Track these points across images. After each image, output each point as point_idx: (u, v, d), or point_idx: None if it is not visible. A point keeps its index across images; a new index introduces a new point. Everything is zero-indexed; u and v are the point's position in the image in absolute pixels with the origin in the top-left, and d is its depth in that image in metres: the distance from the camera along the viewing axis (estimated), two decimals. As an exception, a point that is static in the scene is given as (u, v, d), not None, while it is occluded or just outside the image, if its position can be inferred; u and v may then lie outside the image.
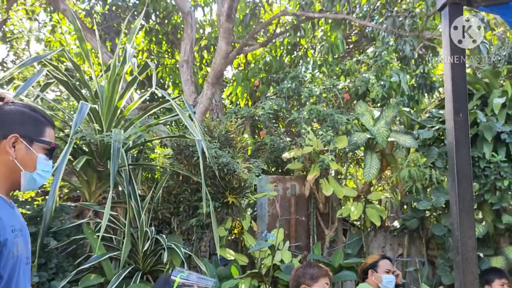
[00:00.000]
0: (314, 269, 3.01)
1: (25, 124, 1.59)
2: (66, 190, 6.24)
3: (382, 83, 6.77)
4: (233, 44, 8.29)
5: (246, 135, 8.42)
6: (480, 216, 6.40)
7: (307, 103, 6.46)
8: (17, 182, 1.60)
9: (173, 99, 5.28)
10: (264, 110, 6.45)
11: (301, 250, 6.37)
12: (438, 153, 6.09)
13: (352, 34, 9.84)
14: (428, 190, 6.25)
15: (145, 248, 4.99)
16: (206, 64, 10.95)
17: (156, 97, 9.70)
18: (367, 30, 9.54)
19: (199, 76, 10.80)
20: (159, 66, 10.47)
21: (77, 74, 5.38)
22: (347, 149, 6.20)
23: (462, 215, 1.13)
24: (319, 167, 6.03)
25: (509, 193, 5.81)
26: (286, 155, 6.46)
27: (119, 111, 5.40)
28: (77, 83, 5.47)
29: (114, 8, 8.78)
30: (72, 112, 5.82)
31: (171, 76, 10.39)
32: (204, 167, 4.84)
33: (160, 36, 9.99)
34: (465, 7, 1.24)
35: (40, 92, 5.51)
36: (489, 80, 6.69)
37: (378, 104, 7.20)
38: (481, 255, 5.98)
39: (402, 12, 6.49)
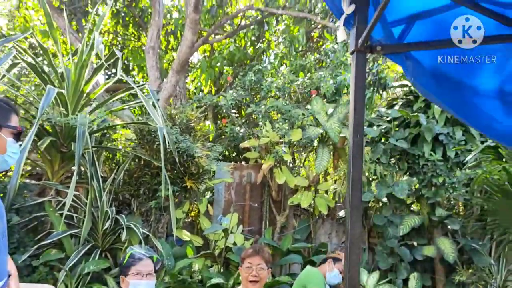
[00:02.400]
0: (246, 251, 3.05)
1: None
2: (28, 168, 6.39)
3: (334, 80, 7.21)
4: (199, 32, 8.55)
5: (208, 122, 8.74)
6: (417, 209, 7.02)
7: (267, 97, 6.84)
8: None
9: (138, 86, 5.54)
10: (226, 100, 6.78)
11: (254, 234, 6.80)
12: (383, 149, 6.62)
13: (314, 31, 10.25)
14: (372, 183, 6.78)
15: (105, 227, 5.26)
16: (172, 49, 11.13)
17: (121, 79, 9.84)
18: (328, 28, 9.97)
19: (164, 61, 11.00)
20: (125, 48, 10.59)
21: (45, 56, 5.52)
22: (301, 142, 6.62)
23: (353, 212, 1.52)
24: (273, 157, 6.44)
25: (443, 189, 6.41)
26: (243, 144, 6.83)
27: (85, 95, 5.62)
28: (43, 65, 5.64)
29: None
30: (35, 92, 5.97)
31: (136, 59, 10.52)
32: (165, 153, 5.15)
33: (127, 19, 10.09)
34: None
35: (6, 72, 5.63)
36: (434, 85, 7.24)
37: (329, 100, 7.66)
38: (415, 244, 6.60)
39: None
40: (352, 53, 1.62)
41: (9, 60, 5.33)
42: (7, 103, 1.91)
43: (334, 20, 8.50)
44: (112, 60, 6.06)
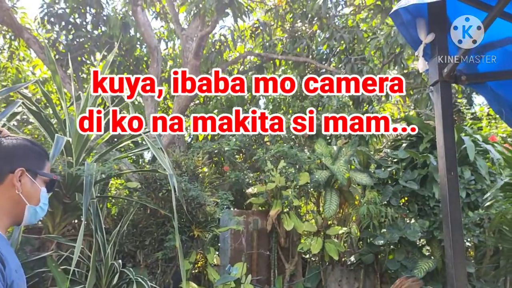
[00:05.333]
0: None
1: (28, 158, 1.59)
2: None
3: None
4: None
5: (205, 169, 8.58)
6: (429, 251, 6.84)
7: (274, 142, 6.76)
8: (19, 217, 1.57)
9: (144, 133, 5.40)
10: (230, 146, 6.67)
11: (262, 283, 6.51)
12: (393, 191, 6.50)
13: (308, 74, 10.36)
14: (382, 226, 6.61)
15: (113, 282, 4.97)
16: (165, 97, 11.09)
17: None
18: (322, 70, 10.10)
19: (159, 108, 10.91)
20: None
21: (49, 105, 5.38)
22: (308, 186, 6.49)
23: (455, 256, 1.38)
24: (282, 203, 6.27)
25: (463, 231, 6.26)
26: (250, 190, 6.66)
27: (89, 143, 5.44)
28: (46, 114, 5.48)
29: (77, 39, 8.81)
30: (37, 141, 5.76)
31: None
32: (172, 201, 4.95)
33: (122, 68, 10.05)
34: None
35: (7, 122, 5.45)
36: (437, 125, 7.25)
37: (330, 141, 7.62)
38: (431, 288, 6.37)
39: (360, 59, 6.98)
40: (434, 84, 1.52)
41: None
42: (41, 148, 1.69)
43: (332, 64, 8.60)
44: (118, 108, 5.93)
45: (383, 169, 6.65)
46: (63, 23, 8.62)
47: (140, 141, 6.91)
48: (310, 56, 8.51)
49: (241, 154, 8.31)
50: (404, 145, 7.05)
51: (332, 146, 7.24)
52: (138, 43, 9.79)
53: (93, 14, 8.91)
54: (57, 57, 8.58)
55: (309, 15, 8.37)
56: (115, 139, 6.52)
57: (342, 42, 7.69)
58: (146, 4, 8.15)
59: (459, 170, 6.42)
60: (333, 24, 7.95)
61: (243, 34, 9.48)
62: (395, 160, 6.82)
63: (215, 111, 9.33)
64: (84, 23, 8.94)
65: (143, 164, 7.86)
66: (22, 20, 9.18)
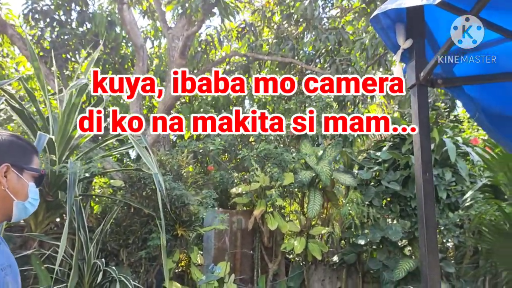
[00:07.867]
0: None
1: (14, 153, 1.58)
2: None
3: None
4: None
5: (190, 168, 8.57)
6: (410, 251, 6.94)
7: (258, 141, 6.78)
8: (7, 213, 1.55)
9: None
10: (215, 146, 6.68)
11: (246, 283, 6.54)
12: (375, 192, 6.59)
13: (294, 75, 10.41)
14: (365, 226, 6.69)
15: (98, 280, 4.95)
16: (150, 95, 11.05)
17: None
18: (308, 71, 10.16)
19: (144, 107, 10.86)
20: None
21: (32, 103, 5.34)
22: (292, 186, 6.53)
23: (429, 255, 1.43)
24: (267, 202, 6.31)
25: (437, 231, 6.38)
26: (234, 190, 6.68)
27: (72, 141, 5.41)
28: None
29: (62, 36, 8.73)
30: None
31: (115, 105, 10.35)
32: (156, 200, 4.95)
33: (107, 66, 9.99)
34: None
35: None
36: (419, 127, 7.36)
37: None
38: (412, 288, 6.47)
39: (345, 60, 7.05)
40: (411, 88, 1.57)
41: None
42: (29, 143, 1.68)
43: (317, 65, 8.67)
44: (102, 106, 5.89)
45: (366, 170, 6.73)
46: (48, 20, 8.53)
47: (125, 140, 6.88)
48: (296, 57, 8.55)
49: (226, 154, 8.33)
50: (387, 146, 7.14)
51: (317, 147, 7.30)
52: (124, 41, 9.73)
53: (78, 11, 8.83)
54: (41, 54, 8.50)
55: (295, 16, 8.42)
56: (99, 137, 6.47)
57: (328, 43, 7.75)
58: (132, 2, 8.12)
59: (440, 172, 6.53)
60: (319, 25, 8.00)
61: (230, 34, 9.50)
62: (378, 161, 6.91)
63: (201, 110, 9.33)
64: (69, 20, 8.86)
65: (128, 162, 7.82)
66: (6, 16, 9.05)
